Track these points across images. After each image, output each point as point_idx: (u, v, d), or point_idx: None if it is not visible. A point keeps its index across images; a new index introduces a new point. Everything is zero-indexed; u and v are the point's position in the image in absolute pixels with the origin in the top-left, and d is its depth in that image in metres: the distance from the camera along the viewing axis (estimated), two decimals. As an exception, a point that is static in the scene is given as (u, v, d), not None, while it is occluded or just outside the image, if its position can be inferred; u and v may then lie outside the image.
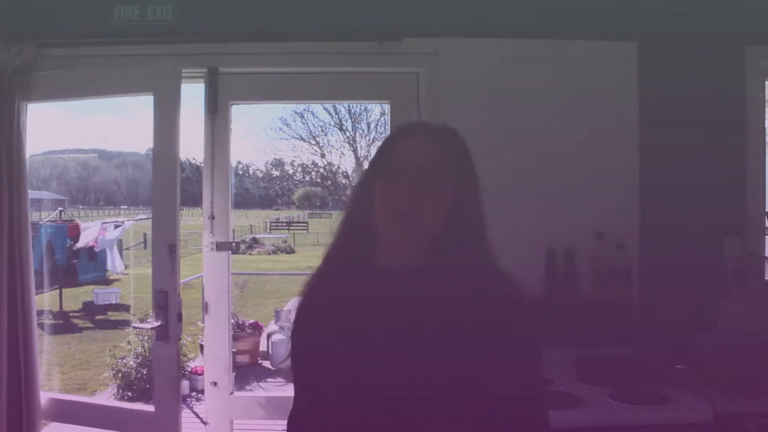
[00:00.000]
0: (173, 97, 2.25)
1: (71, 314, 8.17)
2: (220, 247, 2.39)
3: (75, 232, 8.76)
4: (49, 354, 6.48)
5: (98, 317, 8.11)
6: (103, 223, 9.38)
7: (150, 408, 2.29)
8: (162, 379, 2.25)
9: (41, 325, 7.35)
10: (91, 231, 8.83)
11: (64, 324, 7.75)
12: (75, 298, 8.82)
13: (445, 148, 1.12)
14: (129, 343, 5.37)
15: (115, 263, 9.30)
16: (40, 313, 7.65)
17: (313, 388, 1.11)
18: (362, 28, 2.37)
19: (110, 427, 2.33)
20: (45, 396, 2.42)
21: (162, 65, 2.27)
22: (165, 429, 2.23)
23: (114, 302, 8.49)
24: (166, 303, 2.19)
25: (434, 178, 1.07)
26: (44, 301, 7.58)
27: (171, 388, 2.23)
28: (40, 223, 9.18)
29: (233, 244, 2.43)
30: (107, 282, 9.62)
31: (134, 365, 5.10)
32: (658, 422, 1.87)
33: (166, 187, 2.24)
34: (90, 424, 2.39)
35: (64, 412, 2.44)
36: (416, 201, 1.04)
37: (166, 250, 2.21)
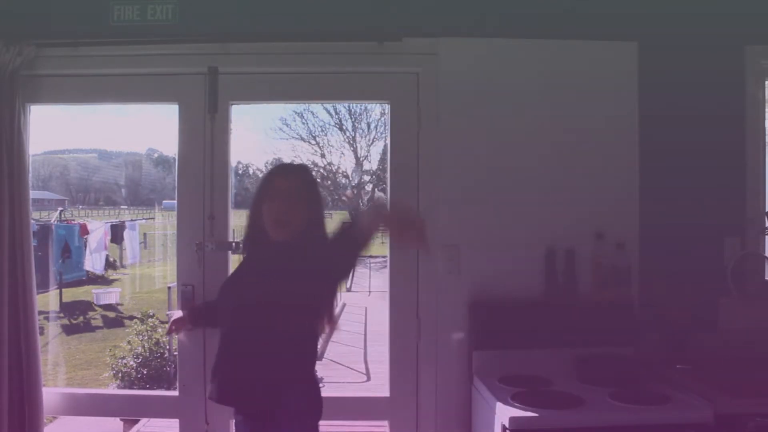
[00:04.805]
0: (197, 106, 2.40)
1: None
2: (219, 247, 2.39)
3: (85, 233, 8.76)
4: (48, 354, 6.49)
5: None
6: (109, 224, 9.36)
7: (174, 393, 2.43)
8: (188, 366, 2.40)
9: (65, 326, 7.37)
10: (99, 231, 8.82)
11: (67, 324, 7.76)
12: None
13: (301, 180, 1.88)
14: (129, 343, 5.38)
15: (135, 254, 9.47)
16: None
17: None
18: (362, 28, 2.37)
19: (134, 415, 2.42)
20: (61, 391, 2.50)
21: (188, 77, 2.40)
22: (190, 412, 2.38)
23: (114, 302, 8.49)
24: (192, 296, 2.37)
25: (297, 198, 1.82)
26: (44, 301, 7.59)
27: (196, 372, 2.36)
28: (53, 222, 9.18)
29: (233, 244, 2.42)
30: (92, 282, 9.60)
31: (134, 365, 5.11)
32: (658, 422, 1.87)
33: (192, 190, 2.41)
34: (110, 414, 2.49)
35: (84, 405, 2.50)
36: (289, 214, 1.81)
37: (193, 248, 2.39)
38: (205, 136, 2.40)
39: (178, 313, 2.23)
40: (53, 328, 7.54)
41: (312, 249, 1.76)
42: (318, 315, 1.85)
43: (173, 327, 2.21)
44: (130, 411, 2.49)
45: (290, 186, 1.84)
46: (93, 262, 8.92)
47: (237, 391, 1.79)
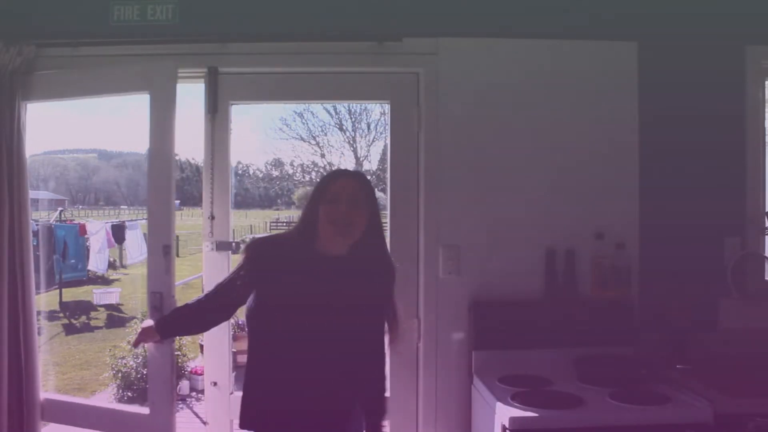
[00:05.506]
0: (169, 95, 2.22)
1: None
2: (220, 247, 2.39)
3: (83, 233, 8.76)
4: (48, 354, 6.48)
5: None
6: (110, 224, 9.35)
7: (145, 410, 2.26)
8: (157, 382, 2.22)
9: (65, 326, 7.35)
10: (101, 232, 8.82)
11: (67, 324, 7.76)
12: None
13: (363, 187, 1.75)
14: (129, 343, 5.37)
15: (141, 252, 9.44)
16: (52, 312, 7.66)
17: (242, 290, 1.76)
18: (362, 28, 2.37)
19: (105, 429, 2.29)
20: (41, 396, 2.40)
21: (158, 63, 2.24)
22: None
23: (114, 302, 8.49)
24: (161, 304, 2.17)
25: (358, 204, 1.71)
26: (44, 300, 7.58)
27: (166, 391, 2.20)
28: (53, 223, 9.17)
29: (233, 244, 2.42)
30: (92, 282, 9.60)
31: (134, 365, 5.09)
32: (658, 422, 1.87)
33: (161, 187, 2.22)
34: (84, 425, 2.35)
35: (58, 412, 2.42)
36: (349, 217, 1.69)
37: (160, 251, 2.19)
38: (205, 136, 2.40)
39: (148, 322, 2.01)
40: (53, 328, 7.54)
41: (373, 267, 1.74)
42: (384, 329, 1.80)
43: (140, 338, 1.98)
44: (100, 424, 2.29)
45: (353, 190, 1.72)
46: (97, 263, 8.93)
47: (305, 418, 1.66)
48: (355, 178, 1.77)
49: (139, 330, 1.99)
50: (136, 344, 2.03)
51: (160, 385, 2.21)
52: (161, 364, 2.20)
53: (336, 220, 1.69)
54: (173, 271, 2.21)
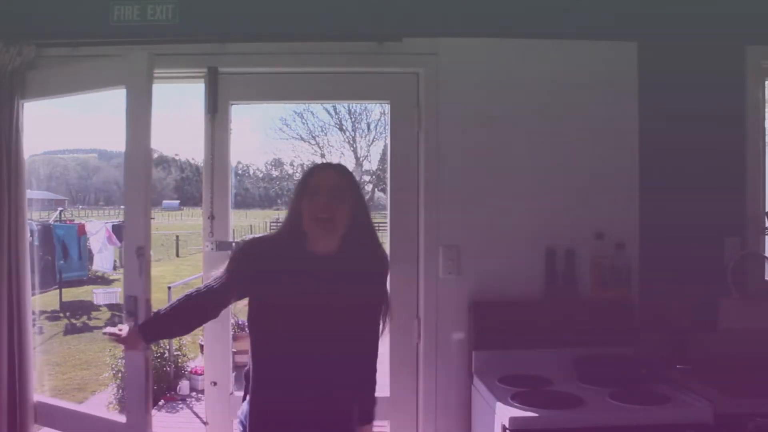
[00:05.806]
0: (145, 89, 2.12)
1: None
2: (220, 247, 2.39)
3: (82, 232, 8.76)
4: (48, 354, 6.48)
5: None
6: (110, 224, 9.35)
7: (122, 419, 2.20)
8: (133, 390, 2.14)
9: (65, 326, 7.34)
10: (101, 232, 8.81)
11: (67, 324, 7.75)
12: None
13: (344, 177, 1.71)
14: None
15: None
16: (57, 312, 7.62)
17: (235, 290, 1.74)
18: (362, 28, 2.37)
19: None
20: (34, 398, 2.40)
21: (133, 57, 2.16)
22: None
23: (114, 302, 8.49)
24: (135, 309, 2.07)
25: (339, 195, 1.66)
26: (44, 301, 7.58)
27: (141, 399, 2.10)
28: (52, 222, 9.17)
29: (233, 244, 2.42)
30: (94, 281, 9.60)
31: (134, 365, 5.08)
32: (658, 422, 1.87)
33: (135, 184, 2.13)
34: (63, 428, 2.33)
35: (47, 415, 2.40)
36: (330, 210, 1.64)
37: (134, 253, 2.10)
38: (205, 136, 2.40)
39: (125, 329, 1.88)
40: (53, 328, 7.54)
41: (366, 265, 1.72)
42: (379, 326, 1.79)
43: (121, 342, 1.88)
44: (82, 430, 2.28)
45: (333, 181, 1.68)
46: (101, 262, 8.93)
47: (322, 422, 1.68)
48: (335, 170, 1.73)
49: (122, 335, 1.86)
50: (107, 333, 1.90)
51: (135, 394, 2.13)
52: (137, 373, 2.11)
53: (317, 214, 1.64)
54: (148, 274, 2.10)
